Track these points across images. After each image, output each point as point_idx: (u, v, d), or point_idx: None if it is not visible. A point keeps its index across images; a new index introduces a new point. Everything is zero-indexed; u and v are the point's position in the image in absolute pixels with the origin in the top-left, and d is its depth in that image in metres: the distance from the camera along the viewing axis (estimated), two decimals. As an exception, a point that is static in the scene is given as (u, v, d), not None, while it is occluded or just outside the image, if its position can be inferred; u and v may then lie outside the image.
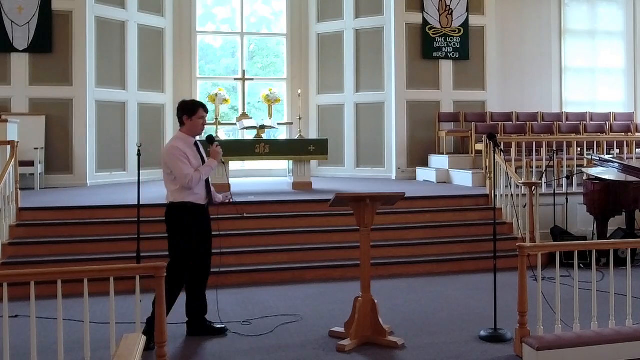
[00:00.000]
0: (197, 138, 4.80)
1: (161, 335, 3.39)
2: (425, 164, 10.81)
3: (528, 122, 10.61)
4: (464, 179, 9.43)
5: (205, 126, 4.79)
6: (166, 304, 4.50)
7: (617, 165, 6.98)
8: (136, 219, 5.85)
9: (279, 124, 10.59)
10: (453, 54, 11.09)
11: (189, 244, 4.52)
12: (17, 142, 6.96)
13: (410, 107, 10.98)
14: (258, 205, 7.45)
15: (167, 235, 4.59)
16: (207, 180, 4.62)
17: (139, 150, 5.73)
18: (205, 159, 4.69)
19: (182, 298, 5.68)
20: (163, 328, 3.40)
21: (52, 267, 5.61)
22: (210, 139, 4.83)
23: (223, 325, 4.76)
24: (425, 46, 11.00)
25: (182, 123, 4.61)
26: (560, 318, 4.14)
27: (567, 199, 7.77)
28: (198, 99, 11.41)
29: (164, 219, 4.62)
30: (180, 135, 4.62)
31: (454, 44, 11.07)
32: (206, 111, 4.66)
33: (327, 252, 6.82)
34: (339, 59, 11.60)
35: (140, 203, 5.94)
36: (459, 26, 11.10)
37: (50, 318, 4.42)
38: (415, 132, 10.98)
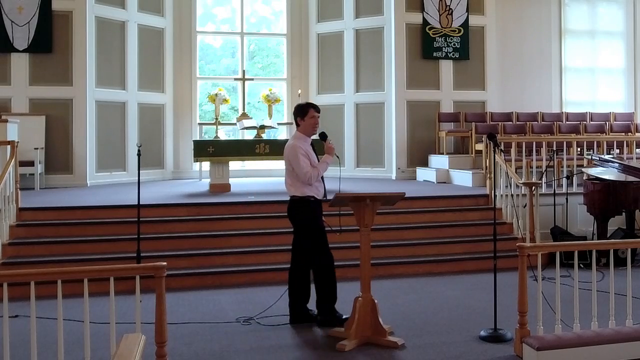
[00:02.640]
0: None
1: (161, 335, 3.39)
2: (425, 164, 10.81)
3: (528, 122, 10.61)
4: (464, 179, 9.43)
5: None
6: (295, 296, 4.89)
7: (617, 165, 6.98)
8: (136, 219, 5.86)
9: (279, 124, 10.60)
10: (453, 54, 11.09)
11: (313, 236, 4.87)
12: (17, 142, 6.95)
13: (410, 107, 10.98)
14: (258, 205, 7.45)
15: (292, 230, 4.98)
16: (322, 178, 4.99)
17: (139, 150, 5.74)
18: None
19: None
20: (163, 328, 3.39)
21: (52, 267, 5.62)
22: (323, 136, 5.02)
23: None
24: (425, 46, 11.00)
25: (297, 124, 4.99)
26: (560, 318, 4.13)
27: (567, 199, 7.77)
28: (198, 99, 11.61)
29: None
30: (298, 135, 4.98)
31: (454, 44, 11.07)
32: (317, 111, 4.99)
33: (327, 252, 6.80)
34: (339, 59, 11.60)
35: (140, 203, 5.95)
36: (459, 26, 11.10)
37: (50, 318, 4.42)
38: (415, 132, 10.98)
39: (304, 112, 4.92)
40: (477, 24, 11.23)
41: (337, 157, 5.05)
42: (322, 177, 5.00)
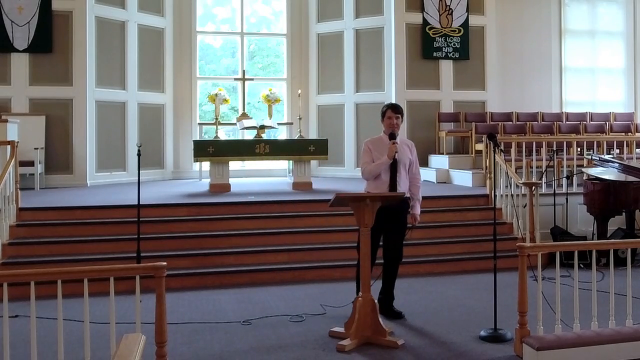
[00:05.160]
0: None
1: (161, 335, 3.39)
2: (425, 164, 10.79)
3: (528, 122, 10.60)
4: (464, 179, 9.43)
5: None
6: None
7: (617, 165, 6.98)
8: (136, 219, 5.86)
9: (279, 124, 10.60)
10: (453, 54, 11.09)
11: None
12: (17, 142, 6.95)
13: (410, 107, 10.96)
14: (258, 205, 7.45)
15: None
16: (394, 177, 4.99)
17: (139, 150, 5.74)
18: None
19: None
20: (163, 328, 3.40)
21: (52, 267, 5.61)
22: (392, 136, 5.13)
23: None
24: (425, 46, 11.00)
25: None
26: (560, 318, 4.13)
27: (567, 199, 7.77)
28: (198, 99, 11.61)
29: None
30: (381, 134, 5.22)
31: (454, 44, 11.07)
32: (395, 111, 5.16)
33: (327, 252, 6.82)
34: (339, 59, 11.60)
35: (141, 203, 5.95)
36: (459, 26, 11.10)
37: (50, 318, 4.42)
38: (415, 132, 10.96)
39: (382, 114, 5.18)
40: (477, 24, 11.23)
41: (396, 159, 5.04)
42: (395, 178, 5.00)
